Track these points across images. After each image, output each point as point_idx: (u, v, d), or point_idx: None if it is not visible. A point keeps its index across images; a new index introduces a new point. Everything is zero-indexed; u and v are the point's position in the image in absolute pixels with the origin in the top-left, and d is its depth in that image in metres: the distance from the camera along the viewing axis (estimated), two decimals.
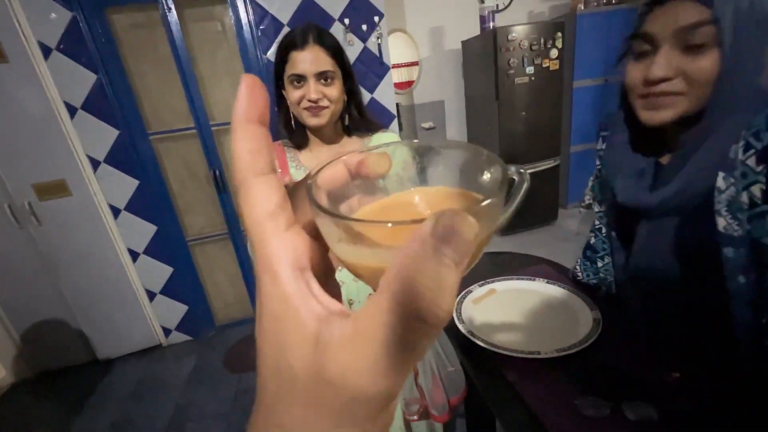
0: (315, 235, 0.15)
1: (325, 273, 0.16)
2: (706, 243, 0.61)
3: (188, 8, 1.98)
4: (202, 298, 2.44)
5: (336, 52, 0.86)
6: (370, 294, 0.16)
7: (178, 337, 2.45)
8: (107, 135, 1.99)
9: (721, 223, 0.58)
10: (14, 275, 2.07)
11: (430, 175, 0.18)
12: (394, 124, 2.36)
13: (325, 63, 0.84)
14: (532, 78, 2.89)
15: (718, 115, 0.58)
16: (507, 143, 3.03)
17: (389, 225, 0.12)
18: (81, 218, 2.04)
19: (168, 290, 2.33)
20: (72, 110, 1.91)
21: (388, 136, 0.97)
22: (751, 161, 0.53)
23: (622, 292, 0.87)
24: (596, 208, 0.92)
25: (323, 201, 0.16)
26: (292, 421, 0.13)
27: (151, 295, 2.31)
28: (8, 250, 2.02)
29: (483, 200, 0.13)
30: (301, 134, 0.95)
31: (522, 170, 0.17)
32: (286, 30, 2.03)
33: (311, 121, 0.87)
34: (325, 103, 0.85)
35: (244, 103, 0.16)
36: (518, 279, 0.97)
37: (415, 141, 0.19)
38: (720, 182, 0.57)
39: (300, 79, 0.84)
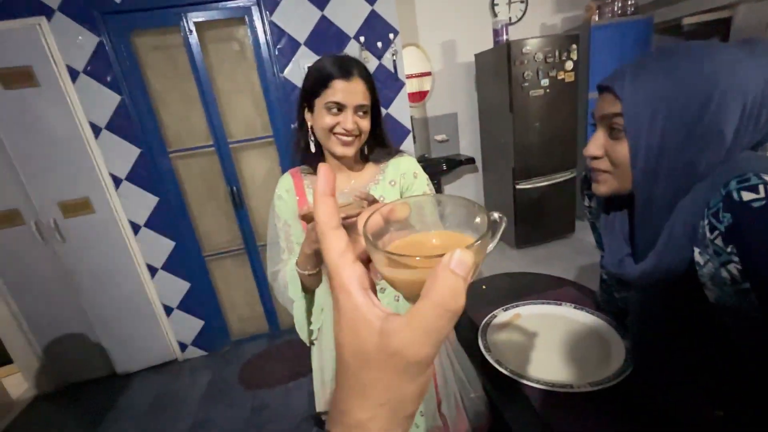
0: (365, 262, 0.24)
1: (373, 287, 0.23)
2: (700, 311, 0.60)
3: (208, 30, 2.04)
4: (217, 313, 2.45)
5: (373, 87, 0.89)
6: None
7: (193, 352, 2.46)
8: (129, 153, 2.04)
9: (711, 295, 0.56)
10: (38, 290, 2.12)
11: (440, 218, 0.27)
12: (409, 138, 2.36)
13: (365, 97, 0.86)
14: (547, 90, 2.87)
15: (645, 197, 0.62)
16: (522, 155, 3.00)
17: (421, 258, 0.20)
18: (103, 235, 2.09)
19: (185, 305, 2.35)
20: (97, 130, 1.97)
21: (406, 161, 0.97)
22: (719, 241, 0.52)
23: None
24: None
25: (372, 238, 0.23)
26: (372, 380, 0.20)
27: (168, 310, 2.34)
28: (34, 265, 2.07)
29: (476, 240, 0.21)
30: (320, 159, 0.94)
31: (499, 215, 0.25)
32: (303, 49, 2.07)
33: (340, 150, 0.87)
34: (357, 132, 0.87)
35: (323, 183, 0.23)
36: (543, 303, 0.95)
37: (428, 195, 0.26)
38: (697, 257, 0.56)
39: (340, 107, 0.84)
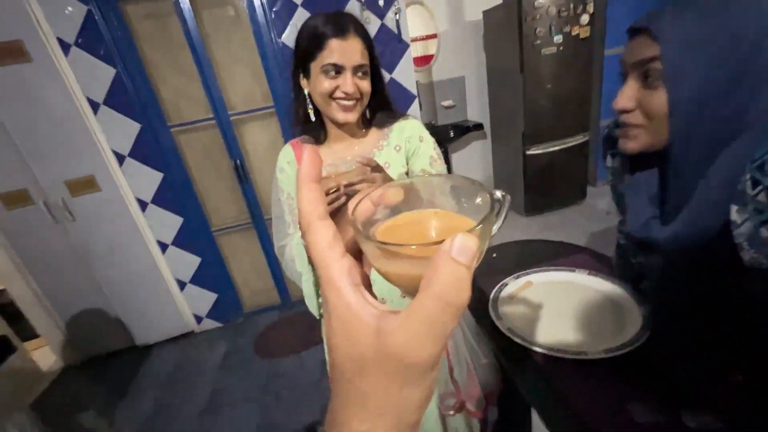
0: (356, 253, 0.22)
1: (367, 282, 0.21)
2: (726, 276, 0.56)
3: None
4: (230, 286, 2.50)
5: (371, 46, 0.82)
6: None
7: (209, 324, 2.54)
8: (130, 129, 2.01)
9: (746, 257, 0.52)
10: (55, 268, 2.17)
11: (437, 201, 0.25)
12: (415, 104, 2.27)
13: (363, 56, 0.79)
14: (560, 48, 2.71)
15: (681, 152, 0.57)
16: (533, 118, 2.88)
17: (417, 246, 0.18)
18: (111, 212, 2.10)
19: (197, 279, 2.40)
20: (95, 106, 1.93)
21: (411, 124, 0.92)
22: (762, 197, 0.47)
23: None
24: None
25: (362, 227, 0.22)
26: (370, 387, 0.18)
27: (182, 285, 2.39)
28: (48, 244, 2.11)
29: (479, 223, 0.18)
30: (321, 127, 0.90)
31: (502, 193, 0.23)
32: (300, 11, 1.96)
33: (342, 116, 0.82)
34: (358, 95, 0.81)
35: (308, 166, 0.21)
36: (556, 270, 0.92)
37: (423, 175, 0.22)
38: (734, 215, 0.51)
39: (338, 69, 0.77)
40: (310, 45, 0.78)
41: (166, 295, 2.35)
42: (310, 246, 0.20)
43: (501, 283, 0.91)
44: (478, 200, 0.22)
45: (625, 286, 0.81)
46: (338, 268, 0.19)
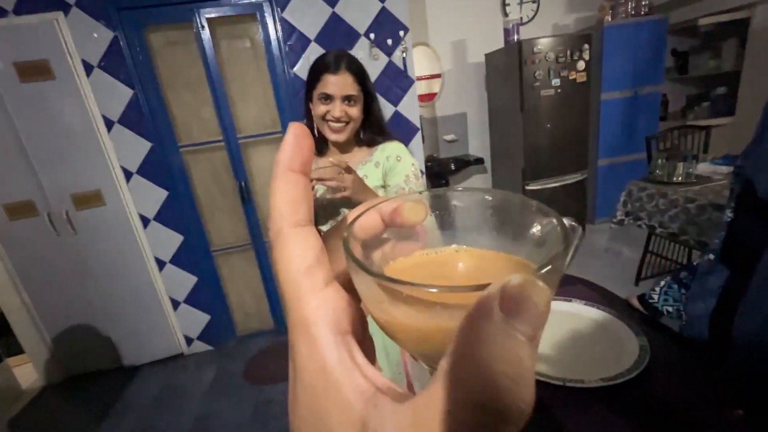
0: (349, 286, 0.14)
1: (362, 328, 0.14)
2: None
3: (220, 26, 2.06)
4: (224, 307, 2.46)
5: (362, 78, 1.00)
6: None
7: (199, 347, 2.47)
8: (141, 147, 2.07)
9: None
10: (50, 281, 2.15)
11: (470, 227, 0.17)
12: (418, 136, 2.35)
13: (352, 88, 0.98)
14: (558, 90, 2.84)
15: None
16: (532, 155, 2.96)
17: (443, 290, 0.11)
18: (113, 227, 2.12)
19: (191, 299, 2.37)
20: (109, 123, 2.00)
21: (392, 145, 1.05)
22: None
23: (695, 321, 0.80)
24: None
25: (358, 252, 0.14)
26: None
27: (176, 304, 2.35)
28: (46, 257, 2.11)
29: (548, 263, 0.12)
30: (323, 143, 1.08)
31: (574, 223, 0.15)
32: (313, 45, 2.08)
33: (333, 136, 1.00)
34: (345, 119, 0.98)
35: (289, 151, 0.15)
36: (553, 299, 0.92)
37: (459, 187, 0.19)
38: None
39: (328, 98, 0.97)
40: (311, 77, 0.99)
41: (158, 315, 2.31)
42: (276, 264, 0.14)
43: None
44: (535, 230, 0.15)
45: (622, 317, 0.81)
46: (316, 304, 0.13)
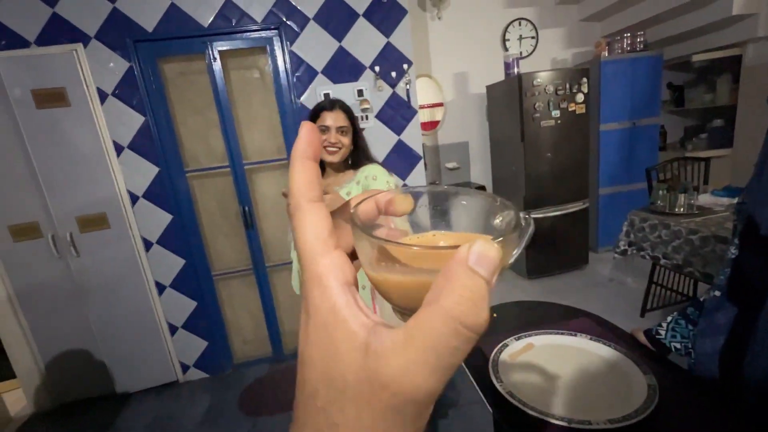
0: (350, 254, 0.19)
1: (356, 285, 0.18)
2: None
3: (231, 58, 2.14)
4: (222, 334, 2.42)
5: (351, 116, 1.29)
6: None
7: (195, 374, 2.41)
8: (148, 172, 2.11)
9: None
10: (48, 304, 2.13)
11: (448, 218, 0.22)
12: (420, 164, 2.39)
13: (344, 121, 1.26)
14: (558, 121, 2.90)
15: None
16: (533, 184, 2.99)
17: (425, 248, 0.16)
18: (115, 250, 2.12)
19: (189, 325, 2.33)
20: (119, 148, 2.05)
21: (371, 167, 1.27)
22: None
23: (704, 359, 0.78)
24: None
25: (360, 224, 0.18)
26: (347, 421, 0.14)
27: (173, 329, 2.32)
28: (46, 279, 2.10)
29: (501, 236, 0.16)
30: (320, 166, 1.27)
31: (527, 216, 0.19)
32: (320, 77, 2.17)
33: (328, 158, 1.26)
34: (339, 145, 1.25)
35: (304, 143, 0.18)
36: (558, 333, 0.91)
37: (437, 186, 0.25)
38: None
39: (326, 129, 1.24)
40: (312, 116, 1.28)
41: (155, 340, 2.27)
42: (296, 231, 0.17)
43: (502, 344, 0.89)
44: (497, 220, 0.20)
45: (628, 354, 0.79)
46: (328, 262, 0.16)
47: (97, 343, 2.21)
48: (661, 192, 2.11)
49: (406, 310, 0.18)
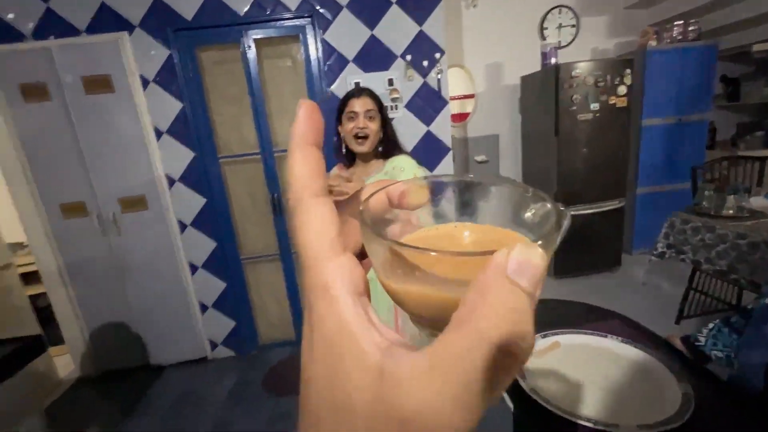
0: (359, 256, 0.16)
1: (368, 294, 0.16)
2: None
3: (265, 46, 2.18)
4: (248, 315, 2.52)
5: (378, 102, 1.27)
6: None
7: (223, 352, 2.53)
8: (185, 156, 2.20)
9: None
10: (93, 278, 2.29)
11: (472, 209, 0.19)
12: (449, 156, 2.35)
13: (371, 106, 1.24)
14: (597, 115, 2.77)
15: None
16: (566, 180, 2.88)
17: (454, 254, 0.13)
18: (153, 231, 2.24)
19: (219, 305, 2.44)
20: (158, 134, 2.15)
21: (400, 158, 1.25)
22: None
23: (749, 371, 0.74)
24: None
25: (371, 225, 0.15)
26: None
27: (204, 308, 2.43)
28: (92, 255, 2.25)
29: (543, 235, 0.13)
30: (350, 156, 1.32)
31: (563, 208, 0.16)
32: (351, 66, 2.17)
33: (357, 147, 1.24)
34: (368, 131, 1.21)
35: (303, 126, 0.16)
36: (586, 334, 0.88)
37: (454, 175, 0.19)
38: None
39: (354, 115, 1.22)
40: (341, 104, 1.27)
41: (187, 317, 2.39)
42: (297, 231, 0.15)
43: None
44: (529, 213, 0.17)
45: (663, 359, 0.76)
46: (335, 267, 0.14)
47: (134, 317, 2.36)
48: (707, 193, 1.97)
49: (425, 321, 0.15)
